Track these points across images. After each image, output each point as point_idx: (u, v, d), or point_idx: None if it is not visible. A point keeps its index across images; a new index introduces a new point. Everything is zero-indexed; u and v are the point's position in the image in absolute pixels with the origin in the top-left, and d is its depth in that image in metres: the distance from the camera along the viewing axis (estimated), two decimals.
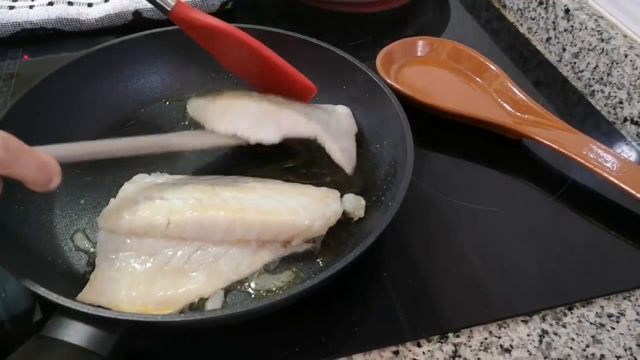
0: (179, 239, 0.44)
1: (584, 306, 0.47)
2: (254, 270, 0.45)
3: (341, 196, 0.50)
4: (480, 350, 0.43)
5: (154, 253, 0.44)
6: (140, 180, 0.50)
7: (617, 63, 0.66)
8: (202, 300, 0.43)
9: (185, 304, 0.42)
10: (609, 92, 0.67)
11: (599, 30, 0.68)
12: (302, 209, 0.46)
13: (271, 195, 0.47)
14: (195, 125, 0.55)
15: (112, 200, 0.47)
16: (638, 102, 0.63)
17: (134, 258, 0.44)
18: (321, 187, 0.51)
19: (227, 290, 0.44)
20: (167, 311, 0.41)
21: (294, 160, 0.56)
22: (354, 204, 0.50)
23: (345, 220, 0.49)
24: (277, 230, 0.45)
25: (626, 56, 0.64)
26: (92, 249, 0.47)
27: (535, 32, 0.80)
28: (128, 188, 0.48)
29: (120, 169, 0.54)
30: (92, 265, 0.45)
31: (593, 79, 0.70)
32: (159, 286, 0.42)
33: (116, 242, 0.44)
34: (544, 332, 0.45)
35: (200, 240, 0.45)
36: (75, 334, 0.35)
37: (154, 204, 0.45)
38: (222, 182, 0.49)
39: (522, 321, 0.46)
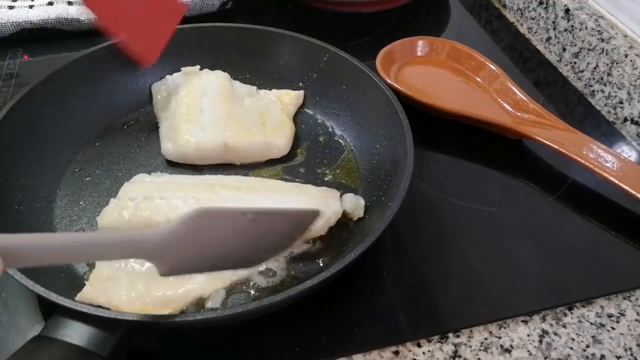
0: None
1: (584, 306, 0.47)
2: (254, 270, 0.45)
3: (340, 196, 0.50)
4: (480, 350, 0.43)
5: None
6: (141, 180, 0.50)
7: (617, 63, 0.66)
8: (202, 300, 0.43)
9: (185, 304, 0.42)
10: (609, 92, 0.67)
11: (599, 30, 0.68)
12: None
13: (271, 195, 0.47)
14: None
15: (112, 200, 0.47)
16: (638, 102, 0.63)
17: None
18: (321, 187, 0.51)
19: (228, 291, 0.44)
20: (166, 311, 0.41)
21: (294, 160, 0.56)
22: (354, 203, 0.50)
23: (345, 221, 0.49)
24: None
25: (626, 56, 0.64)
26: None
27: (535, 32, 0.80)
28: (128, 188, 0.47)
29: (120, 169, 0.54)
30: (92, 265, 0.45)
31: (593, 78, 0.70)
32: (158, 286, 0.42)
33: None
34: (544, 332, 0.45)
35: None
36: (75, 334, 0.35)
37: (154, 203, 0.45)
38: (221, 182, 0.49)
39: (522, 321, 0.46)
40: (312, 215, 0.44)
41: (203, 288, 0.43)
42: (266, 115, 0.57)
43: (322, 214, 0.46)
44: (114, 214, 0.45)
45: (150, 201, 0.45)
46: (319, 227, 0.46)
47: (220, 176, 0.52)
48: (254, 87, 0.61)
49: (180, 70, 0.59)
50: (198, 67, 0.59)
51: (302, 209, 0.43)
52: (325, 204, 0.48)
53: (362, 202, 0.50)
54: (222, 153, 0.54)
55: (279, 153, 0.56)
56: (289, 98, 0.60)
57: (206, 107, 0.55)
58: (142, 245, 0.35)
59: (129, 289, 0.42)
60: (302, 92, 0.61)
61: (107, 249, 0.35)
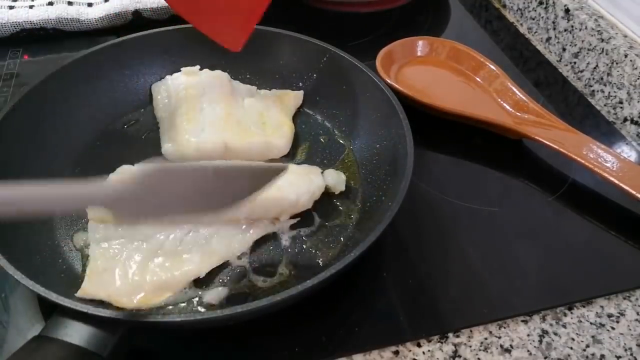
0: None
1: (584, 306, 0.47)
2: (246, 248, 0.46)
3: (322, 172, 0.52)
4: (480, 350, 0.43)
5: (146, 238, 0.44)
6: (125, 171, 0.50)
7: (617, 63, 0.66)
8: (200, 280, 0.44)
9: (183, 285, 0.43)
10: (609, 92, 0.67)
11: (599, 30, 0.68)
12: (288, 185, 0.47)
13: None
14: None
15: None
16: (638, 102, 0.63)
17: (126, 245, 0.44)
18: (302, 164, 0.52)
19: (228, 290, 0.44)
20: (165, 295, 0.42)
21: (294, 160, 0.56)
22: (335, 178, 0.52)
23: (344, 221, 0.49)
24: (265, 207, 0.46)
25: (626, 56, 0.64)
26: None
27: (535, 32, 0.80)
28: (114, 179, 0.48)
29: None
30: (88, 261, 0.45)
31: (593, 79, 0.70)
32: (153, 271, 0.43)
33: (107, 231, 0.44)
34: (544, 332, 0.45)
35: (191, 222, 0.45)
36: (75, 333, 0.35)
37: None
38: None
39: (522, 321, 0.46)
40: (276, 170, 0.42)
41: (198, 268, 0.44)
42: (266, 115, 0.57)
43: (307, 189, 0.48)
44: None
45: None
46: (305, 201, 0.48)
47: (202, 161, 0.52)
48: (254, 87, 0.61)
49: (180, 70, 0.59)
50: (198, 67, 0.59)
51: (267, 165, 0.44)
52: (309, 179, 0.49)
53: (343, 177, 0.52)
54: (222, 153, 0.54)
55: (279, 153, 0.56)
56: (289, 98, 0.60)
57: (206, 107, 0.55)
58: (95, 195, 0.36)
59: (125, 279, 0.42)
60: (301, 92, 0.61)
61: (57, 200, 0.35)
